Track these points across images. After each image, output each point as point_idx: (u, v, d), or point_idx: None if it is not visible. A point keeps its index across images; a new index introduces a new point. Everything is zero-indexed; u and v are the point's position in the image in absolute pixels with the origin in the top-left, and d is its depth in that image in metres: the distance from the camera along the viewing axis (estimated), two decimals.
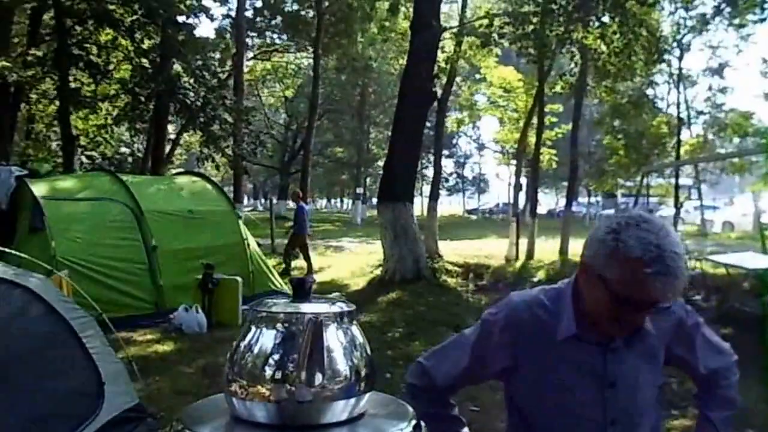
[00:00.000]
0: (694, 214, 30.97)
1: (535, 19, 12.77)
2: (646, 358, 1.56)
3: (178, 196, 9.78)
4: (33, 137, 18.27)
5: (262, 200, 54.39)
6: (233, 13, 20.84)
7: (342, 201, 62.34)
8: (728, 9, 15.73)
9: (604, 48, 13.05)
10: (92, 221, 8.38)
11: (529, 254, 14.84)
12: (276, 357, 1.20)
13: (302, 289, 1.31)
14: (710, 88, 25.67)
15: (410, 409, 1.44)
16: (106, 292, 7.65)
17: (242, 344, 1.25)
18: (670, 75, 24.15)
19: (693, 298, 10.57)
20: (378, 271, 12.02)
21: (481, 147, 48.33)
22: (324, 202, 67.40)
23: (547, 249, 15.91)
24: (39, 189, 8.24)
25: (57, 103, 15.44)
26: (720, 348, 1.72)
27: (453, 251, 15.62)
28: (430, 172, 22.44)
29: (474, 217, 46.31)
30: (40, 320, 4.16)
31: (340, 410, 1.26)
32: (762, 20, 15.41)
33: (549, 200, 49.06)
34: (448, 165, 49.06)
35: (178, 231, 9.00)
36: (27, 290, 4.12)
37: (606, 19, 12.72)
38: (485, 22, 13.67)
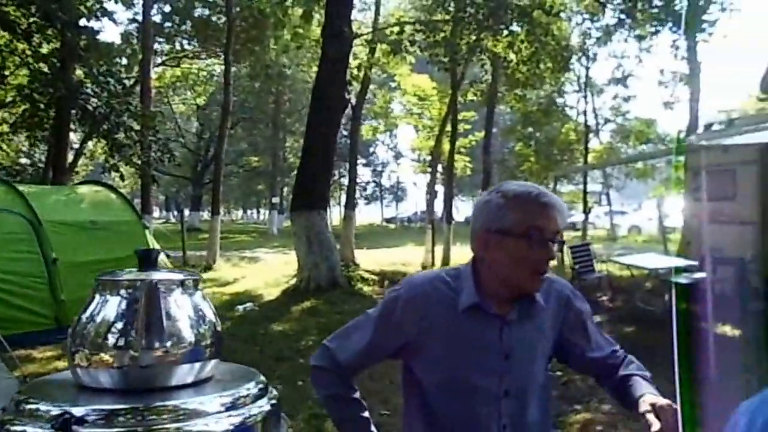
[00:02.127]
0: (604, 219, 32.46)
1: (446, 27, 12.99)
2: (538, 333, 1.64)
3: (80, 206, 9.28)
4: None
5: (175, 212, 52.87)
6: (140, 17, 20.10)
7: (258, 211, 61.38)
8: (629, 21, 16.54)
9: (513, 56, 13.43)
10: None
11: (445, 261, 15.06)
12: (119, 324, 1.24)
13: (148, 260, 1.32)
14: (615, 97, 26.92)
15: (256, 372, 1.52)
16: (1, 308, 7.18)
17: (85, 314, 1.24)
18: (578, 83, 25.25)
19: (600, 299, 11.01)
20: (293, 281, 11.88)
21: (398, 155, 48.80)
22: (240, 212, 66.20)
23: (462, 255, 16.19)
24: None
25: None
26: (610, 339, 1.78)
27: (370, 259, 15.68)
28: (347, 181, 22.40)
29: (392, 225, 46.73)
30: None
31: (184, 374, 1.31)
32: (657, 32, 16.28)
33: (466, 207, 50.05)
34: (365, 173, 49.32)
35: (80, 243, 8.54)
36: None
37: (515, 28, 13.11)
38: (396, 29, 13.79)
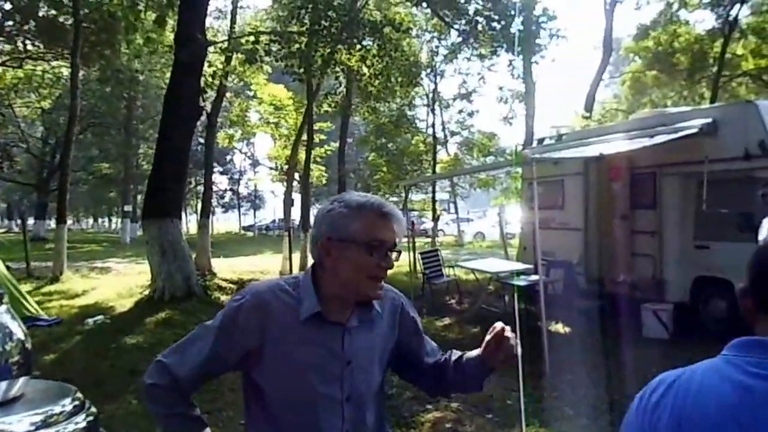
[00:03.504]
0: (452, 226, 34.18)
1: (301, 39, 13.24)
2: (377, 340, 1.73)
3: None
4: None
5: (18, 220, 48.77)
6: None
7: (110, 220, 58.05)
8: (471, 41, 17.68)
9: (365, 70, 13.95)
10: None
11: (302, 267, 15.30)
12: None
13: None
14: (461, 111, 28.50)
15: (72, 388, 1.47)
16: None
17: None
18: (427, 98, 26.54)
19: (448, 302, 11.65)
20: (147, 292, 11.57)
21: (255, 163, 48.24)
22: (90, 221, 62.24)
23: None
24: None
25: None
26: (435, 346, 1.92)
27: (227, 268, 15.57)
28: (203, 189, 21.96)
29: (250, 233, 46.15)
30: None
31: None
32: (495, 52, 17.56)
33: None
34: (222, 181, 48.32)
35: None
36: None
37: (367, 42, 13.62)
38: (252, 39, 13.86)
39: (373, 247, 1.59)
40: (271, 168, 35.78)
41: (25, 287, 10.20)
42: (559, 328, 9.03)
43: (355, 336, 1.67)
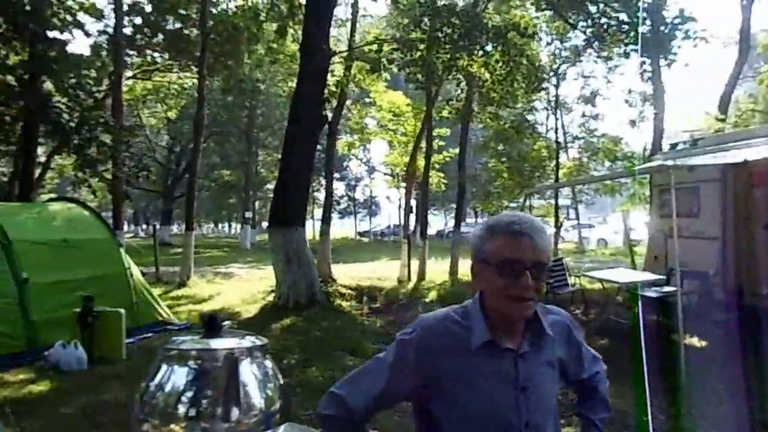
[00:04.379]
0: (573, 232, 32.97)
1: (422, 46, 13.09)
2: (549, 365, 1.71)
3: (51, 224, 9.07)
4: None
5: (144, 226, 52.11)
6: (110, 30, 19.86)
7: (230, 225, 60.85)
8: (596, 43, 16.91)
9: (487, 75, 13.58)
10: None
11: (421, 275, 15.10)
12: (189, 394, 1.18)
13: (213, 325, 1.26)
14: (584, 115, 27.44)
15: None
16: None
17: (153, 383, 1.18)
18: (548, 102, 25.70)
19: (574, 313, 11.15)
20: (270, 297, 11.79)
21: (371, 170, 48.89)
22: (211, 226, 65.54)
23: (437, 270, 16.27)
24: None
25: None
26: (596, 356, 1.93)
27: (346, 274, 15.63)
28: (321, 195, 22.33)
29: (366, 239, 46.70)
30: None
31: None
32: (626, 55, 16.72)
33: (438, 222, 50.29)
34: (339, 188, 49.32)
35: (52, 262, 8.34)
36: None
37: (489, 48, 13.26)
38: (375, 47, 13.86)
39: (504, 268, 1.57)
40: (386, 173, 36.09)
41: (155, 291, 10.63)
42: (695, 341, 8.44)
43: (529, 361, 1.66)
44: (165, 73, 24.68)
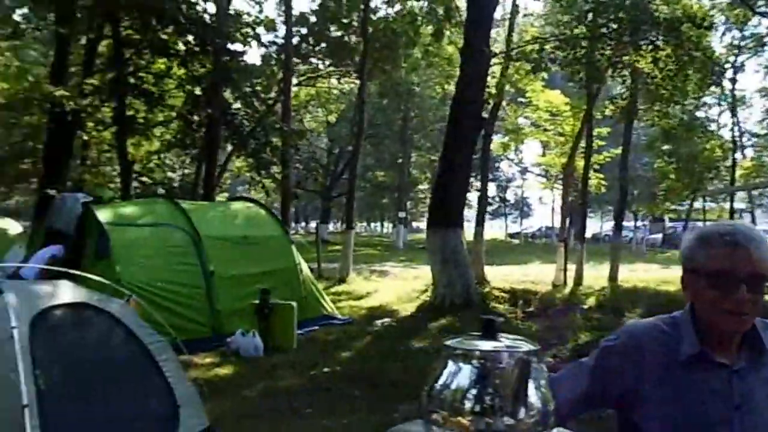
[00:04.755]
0: None
1: (585, 43, 12.67)
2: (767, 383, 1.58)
3: (234, 222, 9.91)
4: (88, 163, 18.86)
5: (303, 224, 54.85)
6: (278, 40, 21.22)
7: (382, 225, 62.52)
8: None
9: (656, 71, 12.85)
10: (154, 247, 8.53)
11: (578, 280, 14.56)
12: (474, 391, 1.26)
13: (492, 328, 1.37)
14: (766, 110, 24.95)
15: None
16: (166, 315, 7.73)
17: (440, 380, 1.31)
18: (723, 96, 23.68)
19: None
20: (425, 297, 11.97)
21: (524, 170, 48.01)
22: (364, 225, 67.71)
23: (595, 275, 15.62)
24: (103, 215, 8.43)
25: (112, 130, 15.92)
26: None
27: (498, 276, 15.47)
28: (473, 196, 22.26)
29: (516, 241, 45.89)
30: (122, 344, 4.27)
31: None
32: None
33: (594, 224, 48.36)
34: (490, 188, 48.91)
35: (234, 256, 9.10)
36: (109, 315, 4.23)
37: (659, 42, 12.53)
38: (536, 47, 13.61)
39: (717, 280, 1.47)
40: (539, 175, 35.29)
41: (319, 286, 11.18)
42: None
43: (745, 378, 1.54)
44: (326, 79, 25.94)
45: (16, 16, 15.46)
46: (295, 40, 20.98)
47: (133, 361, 4.27)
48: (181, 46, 13.60)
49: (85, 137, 16.92)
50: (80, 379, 3.74)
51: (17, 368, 3.23)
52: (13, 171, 18.12)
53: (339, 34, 21.96)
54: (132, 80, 14.35)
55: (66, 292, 4.19)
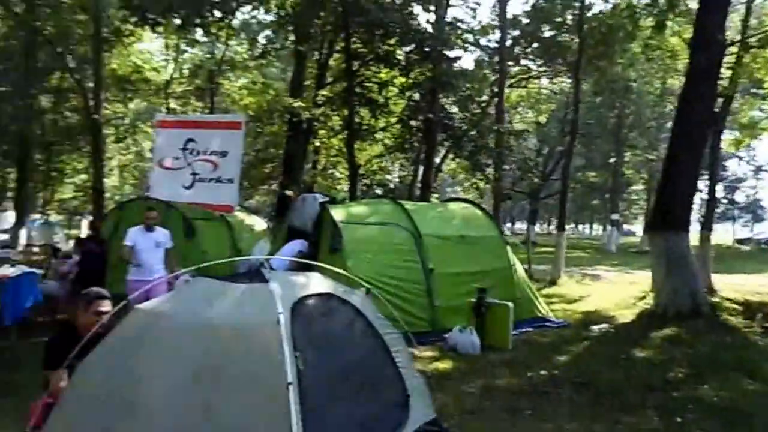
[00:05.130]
0: None
1: None
2: None
3: (452, 221, 10.28)
4: (318, 167, 20.72)
5: (509, 224, 54.58)
6: (491, 44, 21.41)
7: (591, 227, 60.01)
8: None
9: None
10: (379, 244, 9.15)
11: None
12: None
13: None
14: None
15: None
16: (385, 309, 8.25)
17: None
18: None
19: None
20: (644, 304, 11.39)
21: (757, 169, 43.07)
22: (572, 227, 65.57)
23: None
24: (337, 214, 9.28)
25: (341, 136, 17.36)
26: None
27: (728, 286, 14.16)
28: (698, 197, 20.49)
29: (746, 247, 41.36)
30: (362, 334, 4.67)
31: None
32: None
33: None
34: (717, 189, 44.60)
35: (452, 255, 9.46)
36: (352, 306, 4.67)
37: None
38: None
39: None
40: None
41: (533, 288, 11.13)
42: None
43: None
44: (537, 79, 25.62)
45: (261, 38, 17.53)
46: (507, 43, 21.03)
47: (372, 349, 4.61)
48: (403, 56, 14.39)
49: (317, 143, 18.64)
50: (328, 363, 4.11)
51: (283, 350, 3.67)
52: (258, 174, 20.46)
53: (552, 33, 21.58)
54: (359, 90, 15.54)
55: (317, 283, 4.66)
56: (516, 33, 21.93)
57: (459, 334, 8.46)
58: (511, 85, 24.56)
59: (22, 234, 21.74)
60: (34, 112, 20.63)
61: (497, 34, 19.25)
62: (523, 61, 23.48)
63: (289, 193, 13.10)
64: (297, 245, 9.48)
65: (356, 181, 15.26)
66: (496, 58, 20.16)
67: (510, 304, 8.82)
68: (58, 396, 3.83)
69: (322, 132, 18.10)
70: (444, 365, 7.74)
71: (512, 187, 17.10)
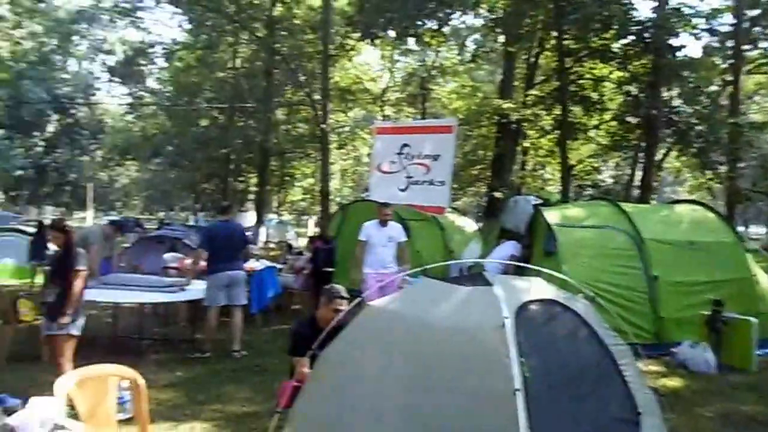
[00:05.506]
0: None
1: None
2: None
3: (679, 225, 9.41)
4: (526, 168, 20.37)
5: (742, 228, 48.98)
6: (721, 28, 19.27)
7: None
8: None
9: None
10: (596, 248, 8.65)
11: None
12: None
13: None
14: None
15: None
16: (608, 317, 7.80)
17: None
18: None
19: None
20: None
21: None
22: None
23: None
24: (551, 216, 8.95)
25: (550, 136, 16.86)
26: None
27: None
28: None
29: None
30: (586, 344, 4.43)
31: None
32: None
33: None
34: None
35: (678, 262, 8.66)
36: (575, 314, 4.46)
37: None
38: None
39: None
40: None
41: None
42: None
43: None
44: None
45: (470, 42, 17.68)
46: (745, 25, 18.78)
47: (597, 361, 4.32)
48: (620, 49, 13.55)
49: (526, 144, 18.32)
50: (552, 372, 3.93)
51: (509, 355, 3.58)
52: (466, 176, 20.68)
53: None
54: (573, 87, 14.92)
55: (539, 289, 4.48)
56: (755, 12, 19.43)
57: (690, 349, 7.77)
58: (749, 72, 21.92)
59: (262, 232, 24.57)
60: (272, 124, 23.16)
61: (729, 18, 17.20)
62: (762, 44, 20.73)
63: (497, 194, 12.99)
64: (510, 248, 9.34)
65: (568, 182, 14.65)
66: (728, 43, 18.11)
67: (753, 319, 7.88)
68: (303, 381, 4.22)
69: (531, 132, 17.74)
70: (673, 383, 7.13)
71: (752, 187, 15.17)
